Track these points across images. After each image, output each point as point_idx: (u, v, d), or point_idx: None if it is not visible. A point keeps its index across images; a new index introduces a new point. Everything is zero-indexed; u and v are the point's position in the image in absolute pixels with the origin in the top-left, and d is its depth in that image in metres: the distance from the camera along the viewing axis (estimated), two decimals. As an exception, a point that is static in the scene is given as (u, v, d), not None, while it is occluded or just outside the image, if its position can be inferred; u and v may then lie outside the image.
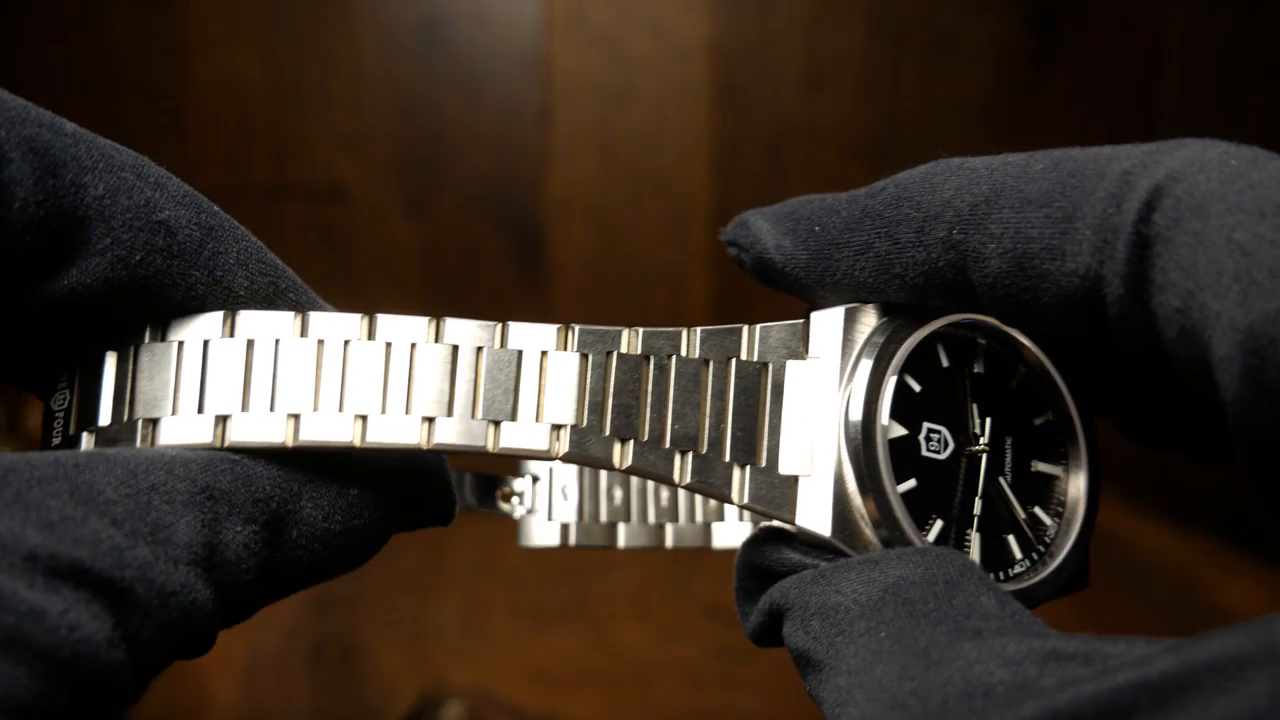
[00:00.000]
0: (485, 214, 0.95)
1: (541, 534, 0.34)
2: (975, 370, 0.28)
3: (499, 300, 0.96)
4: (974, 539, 0.27)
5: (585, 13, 0.92)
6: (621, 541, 0.35)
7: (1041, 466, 0.28)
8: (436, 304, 0.96)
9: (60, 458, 0.22)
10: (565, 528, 0.35)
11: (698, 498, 0.36)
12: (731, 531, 0.36)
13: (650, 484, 0.36)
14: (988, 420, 0.28)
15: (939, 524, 0.26)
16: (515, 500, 0.35)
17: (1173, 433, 0.29)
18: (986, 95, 0.93)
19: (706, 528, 0.35)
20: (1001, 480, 0.28)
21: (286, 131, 0.92)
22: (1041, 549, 0.27)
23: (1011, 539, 0.27)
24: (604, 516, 0.35)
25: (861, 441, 0.26)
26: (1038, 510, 0.28)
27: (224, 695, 0.75)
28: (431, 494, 0.27)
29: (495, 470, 0.34)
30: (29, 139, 0.22)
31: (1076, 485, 0.28)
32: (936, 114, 0.93)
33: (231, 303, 0.25)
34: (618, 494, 0.35)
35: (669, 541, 0.35)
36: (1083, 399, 0.28)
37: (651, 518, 0.35)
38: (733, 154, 0.93)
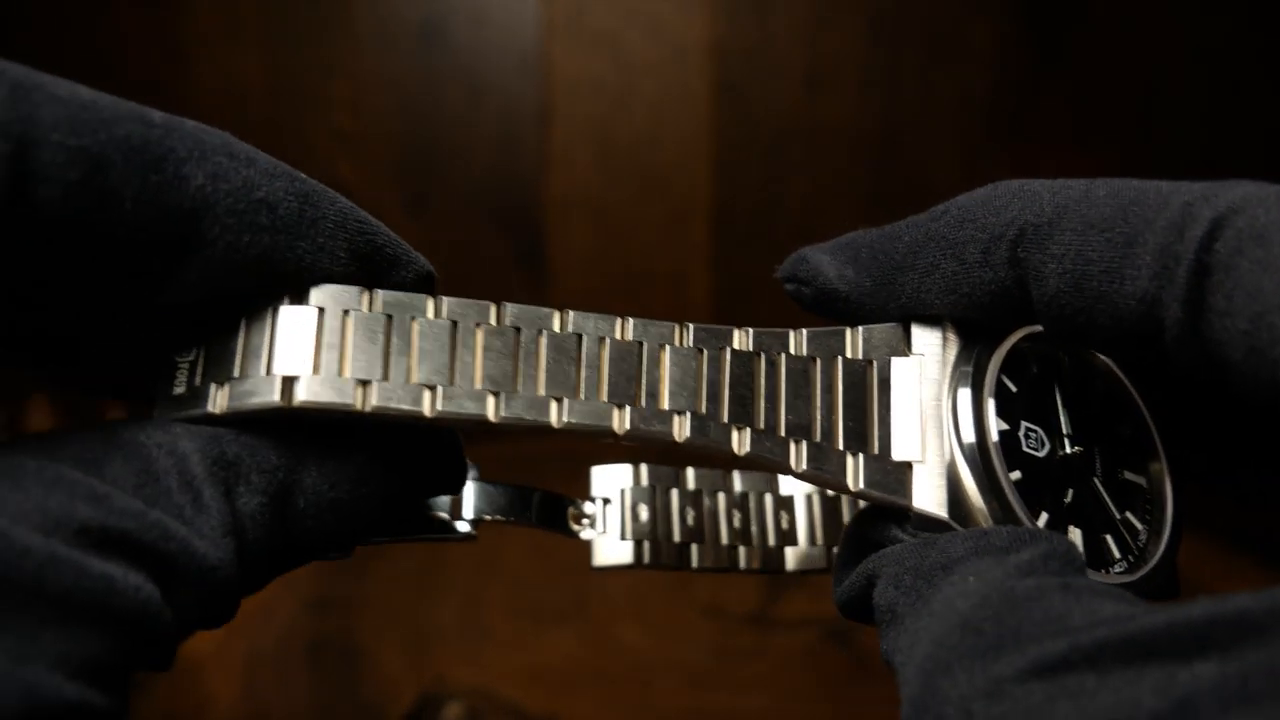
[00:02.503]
0: (485, 213, 0.95)
1: (615, 553, 0.35)
2: (1062, 380, 0.29)
3: (499, 299, 0.96)
4: (1076, 535, 0.28)
5: (585, 13, 0.92)
6: (694, 562, 0.35)
7: (1128, 475, 0.29)
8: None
9: (84, 439, 0.22)
10: (639, 547, 0.35)
11: (769, 521, 0.36)
12: (804, 555, 0.36)
13: (721, 507, 0.36)
14: (1077, 426, 0.29)
15: (1044, 516, 0.27)
16: (585, 522, 0.35)
17: (1218, 464, 0.30)
18: (986, 95, 0.93)
19: (779, 551, 0.36)
20: (1096, 481, 0.29)
21: (286, 131, 0.92)
22: (1137, 552, 0.28)
23: (1109, 539, 0.28)
24: (677, 537, 0.35)
25: (975, 430, 0.27)
26: (1130, 515, 0.29)
27: (224, 695, 0.75)
28: (442, 461, 0.27)
29: (568, 490, 0.35)
30: (126, 138, 0.21)
31: (1162, 494, 0.29)
32: (937, 114, 0.93)
33: (335, 264, 0.25)
34: (690, 515, 0.36)
35: (742, 563, 0.36)
36: (1157, 413, 0.30)
37: (724, 539, 0.36)
38: (733, 154, 0.93)
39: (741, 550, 0.36)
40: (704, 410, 0.26)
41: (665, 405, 0.26)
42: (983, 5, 0.92)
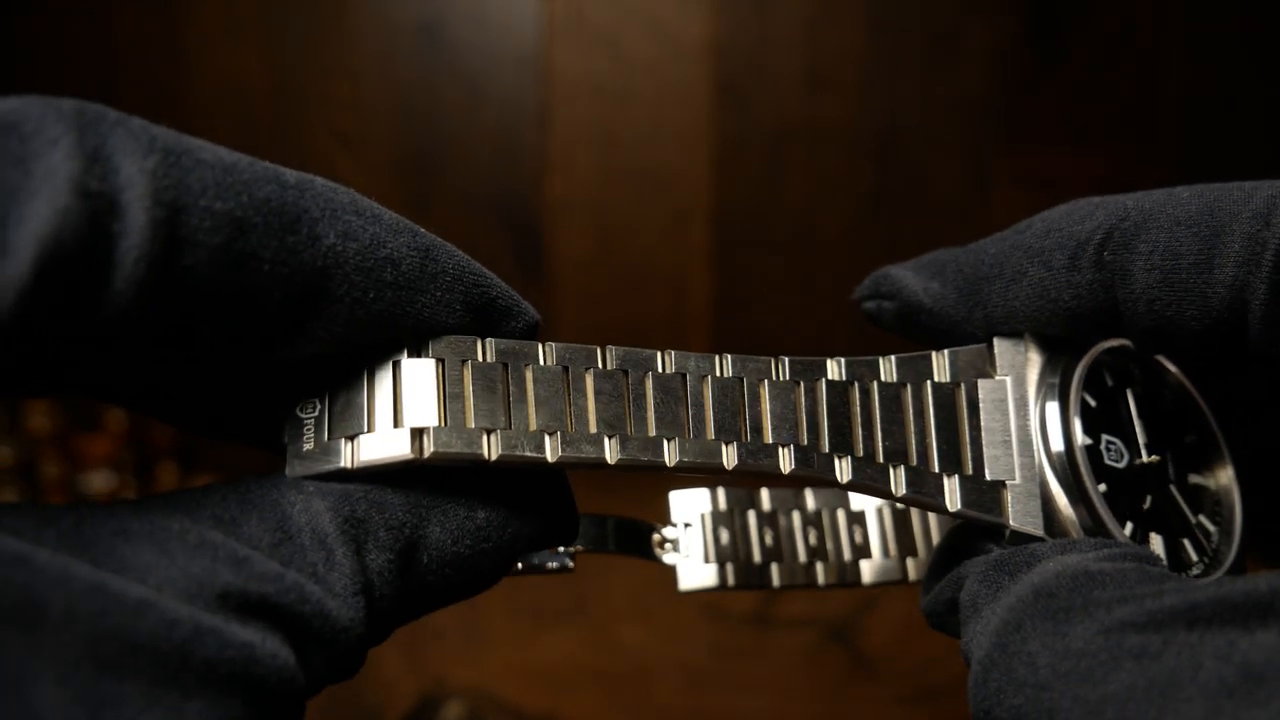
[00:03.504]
0: (485, 213, 0.95)
1: (701, 576, 0.36)
2: (1135, 391, 0.30)
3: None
4: (1157, 542, 0.29)
5: (585, 13, 0.92)
6: (775, 581, 0.37)
7: (1196, 479, 0.30)
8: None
9: (192, 499, 0.22)
10: (722, 569, 0.36)
11: (843, 537, 0.38)
12: (879, 567, 0.37)
13: (797, 526, 0.38)
14: (1150, 436, 0.30)
15: (1129, 525, 0.28)
16: (669, 547, 0.36)
17: None
18: (986, 95, 0.93)
19: (855, 564, 0.37)
20: (1172, 488, 0.30)
21: (287, 131, 0.92)
22: (1211, 554, 0.29)
23: (1187, 543, 0.29)
24: (757, 558, 0.37)
25: (1064, 446, 0.28)
26: (1203, 518, 0.30)
27: (224, 695, 0.74)
28: (558, 513, 0.27)
29: (647, 515, 0.37)
30: (264, 200, 0.22)
31: (1231, 495, 0.30)
32: (937, 114, 0.93)
33: (452, 316, 0.25)
34: (768, 535, 0.37)
35: (820, 579, 0.37)
36: (1224, 420, 0.31)
37: (802, 557, 0.37)
38: (733, 154, 0.93)
39: (819, 566, 0.37)
40: (805, 441, 0.27)
41: (769, 439, 0.27)
42: (983, 5, 0.92)
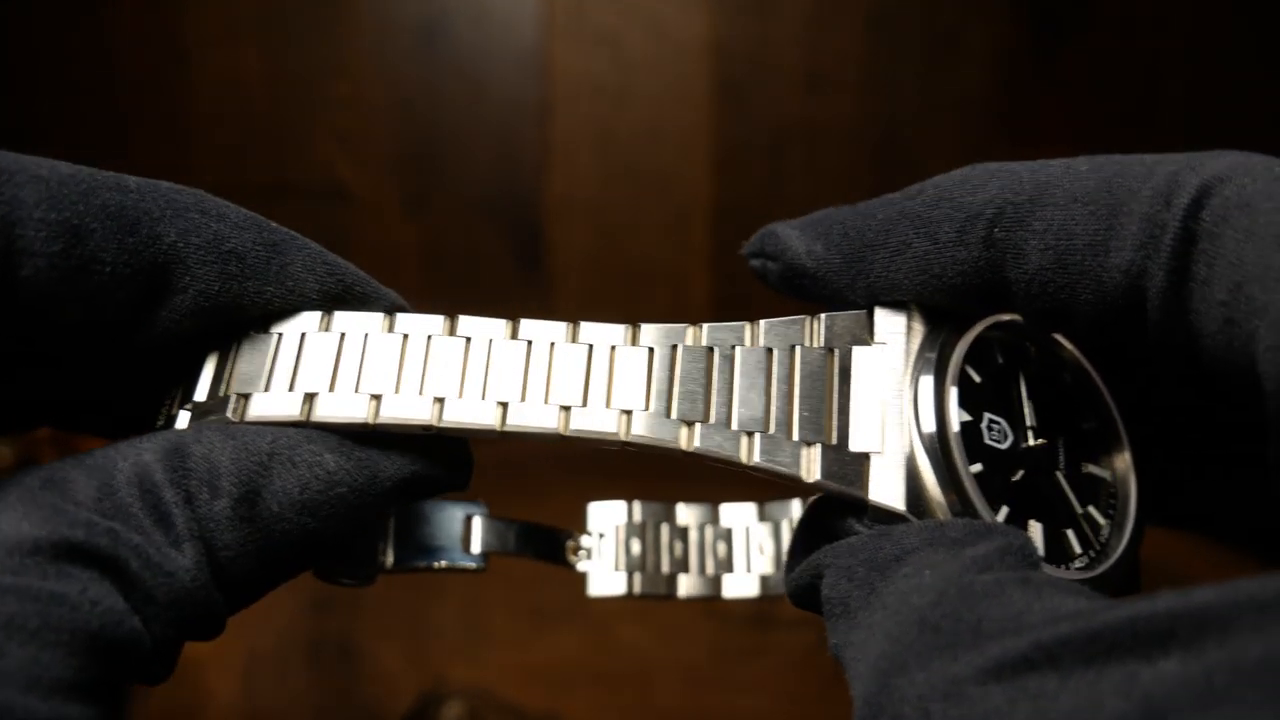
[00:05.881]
0: (485, 213, 0.95)
1: (609, 583, 0.37)
2: (1028, 371, 0.29)
3: (499, 299, 0.96)
4: (1036, 529, 0.27)
5: (585, 12, 0.92)
6: (681, 591, 0.38)
7: (1092, 469, 0.28)
8: (437, 303, 0.95)
9: (35, 470, 0.23)
10: (630, 577, 0.37)
11: (754, 551, 0.38)
12: (770, 583, 0.38)
13: (709, 539, 0.38)
14: (1041, 418, 0.28)
15: (1005, 509, 0.26)
16: (582, 554, 0.38)
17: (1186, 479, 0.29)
18: (987, 95, 0.93)
19: (762, 579, 0.38)
20: (1059, 474, 0.28)
21: (286, 131, 0.92)
22: (1098, 547, 0.27)
23: (1070, 533, 0.27)
24: (665, 568, 0.38)
25: (936, 423, 0.26)
26: (1092, 509, 0.28)
27: (224, 695, 0.75)
28: (437, 456, 0.27)
29: (572, 525, 0.38)
30: (102, 206, 0.23)
31: (1126, 487, 0.28)
32: (937, 114, 0.93)
33: (307, 306, 0.27)
34: (678, 547, 0.38)
35: (725, 592, 0.38)
36: (1124, 405, 0.29)
37: (710, 569, 0.38)
38: (733, 154, 0.93)
39: (725, 579, 0.38)
40: (652, 408, 0.26)
41: (613, 404, 0.26)
42: (982, 5, 0.92)
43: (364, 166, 0.93)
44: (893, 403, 0.27)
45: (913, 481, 0.26)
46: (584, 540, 0.38)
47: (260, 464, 0.24)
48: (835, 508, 0.27)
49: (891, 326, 0.27)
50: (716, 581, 0.38)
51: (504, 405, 0.26)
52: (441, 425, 0.26)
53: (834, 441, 0.26)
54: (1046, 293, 0.25)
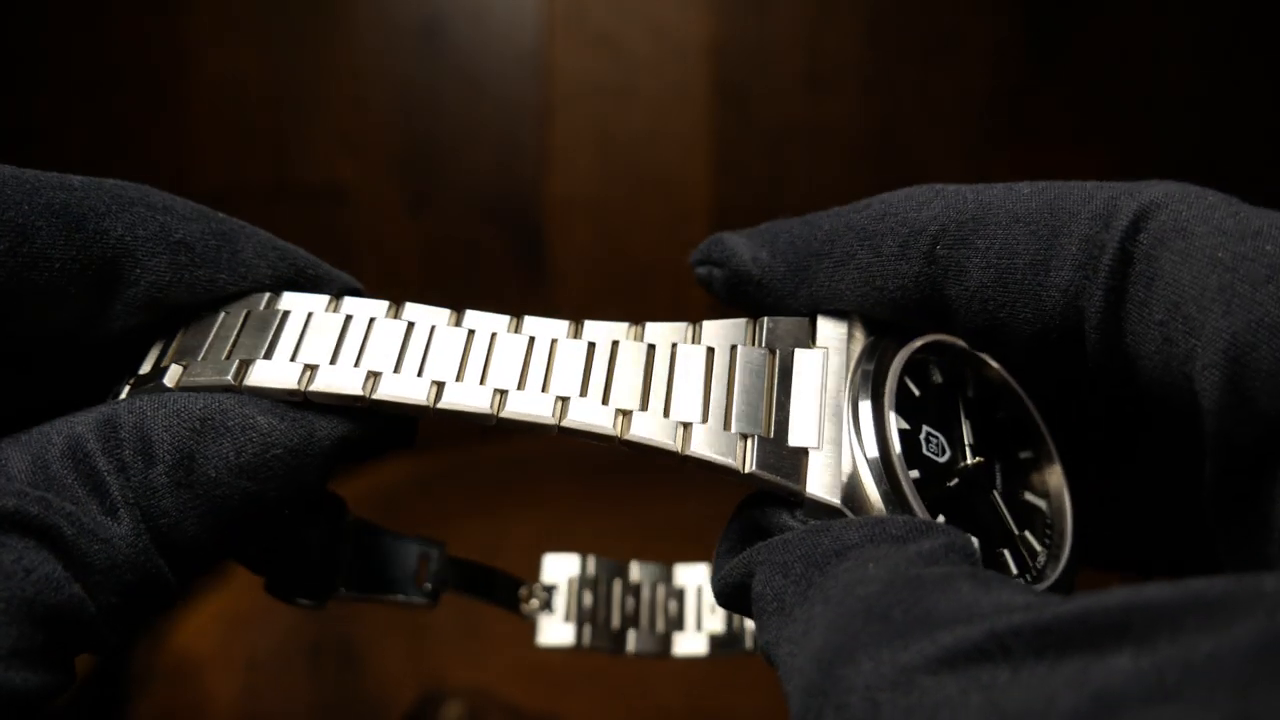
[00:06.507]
0: (485, 213, 0.95)
1: (558, 634, 0.38)
2: (965, 395, 0.29)
3: (499, 299, 0.96)
4: (974, 544, 0.27)
5: (585, 13, 0.92)
6: (630, 647, 0.38)
7: (1029, 497, 0.28)
8: (437, 302, 0.95)
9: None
10: (580, 629, 0.38)
11: (705, 610, 0.38)
12: (720, 641, 0.39)
13: (660, 595, 0.39)
14: (979, 440, 0.28)
15: (941, 519, 0.26)
16: (535, 603, 0.38)
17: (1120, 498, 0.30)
18: (986, 95, 0.93)
19: (711, 638, 0.38)
20: (996, 495, 0.28)
21: (286, 131, 0.92)
22: (1035, 571, 0.27)
23: (1007, 554, 0.27)
24: (615, 623, 0.38)
25: (874, 421, 0.26)
26: (1028, 534, 0.28)
27: (223, 695, 0.75)
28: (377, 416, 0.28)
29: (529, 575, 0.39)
30: (48, 204, 0.24)
31: (1062, 520, 0.28)
32: (937, 114, 0.93)
33: (261, 288, 0.28)
34: (630, 603, 0.39)
35: (675, 650, 0.38)
36: (1059, 434, 0.29)
37: (660, 627, 0.39)
38: (733, 154, 0.93)
39: (675, 636, 0.38)
40: (587, 394, 0.27)
41: (549, 390, 0.27)
42: (982, 5, 0.92)
43: (364, 166, 0.93)
44: (831, 403, 0.26)
45: (850, 479, 0.25)
46: (537, 589, 0.38)
47: (193, 429, 0.25)
48: (768, 504, 0.26)
49: (833, 333, 0.28)
50: (666, 639, 0.38)
51: (439, 385, 0.27)
52: (373, 398, 0.26)
53: (771, 435, 0.26)
54: (987, 310, 0.26)
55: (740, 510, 0.28)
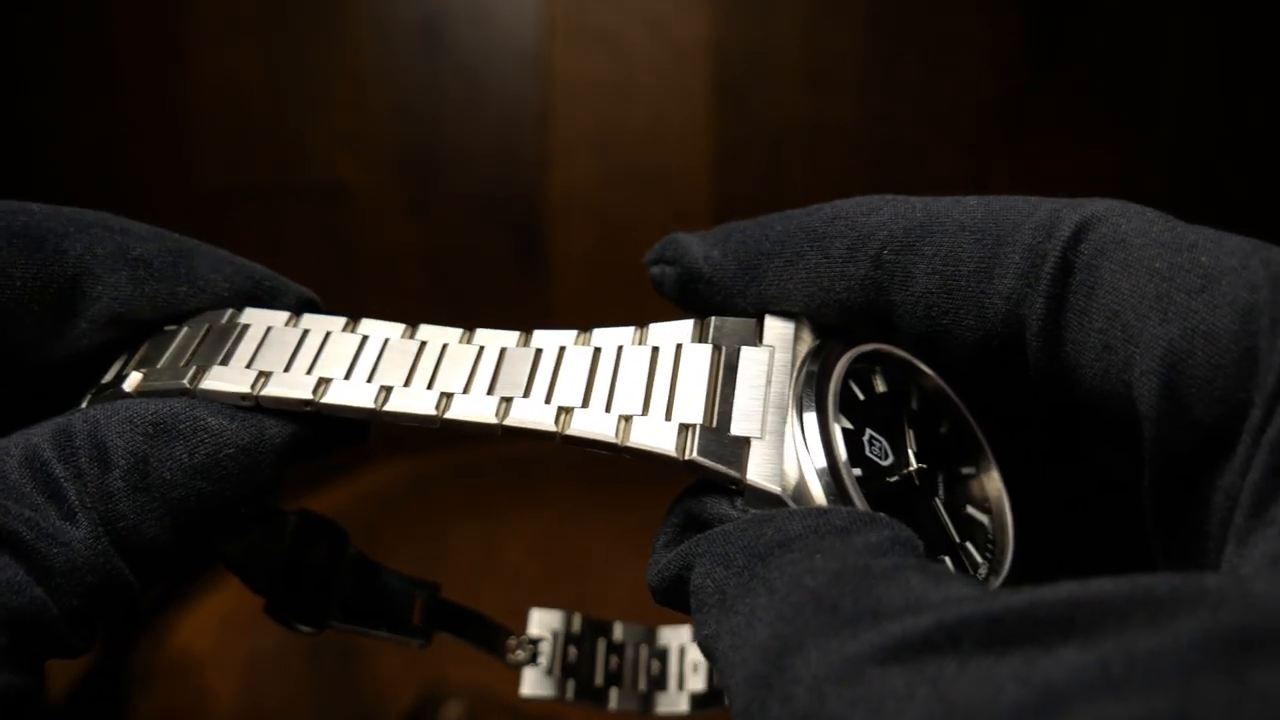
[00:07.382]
0: (485, 213, 0.95)
1: (542, 687, 0.39)
2: (911, 405, 0.29)
3: (500, 299, 0.96)
4: (917, 539, 0.27)
5: (585, 13, 0.92)
6: (612, 704, 0.39)
7: (971, 510, 0.29)
8: (437, 302, 0.95)
9: None
10: (564, 684, 0.39)
11: (688, 669, 0.39)
12: (701, 699, 0.39)
13: (643, 655, 0.40)
14: (923, 448, 0.28)
15: (883, 518, 0.26)
16: (521, 654, 0.39)
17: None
18: (987, 95, 0.93)
19: (692, 697, 0.39)
20: (938, 502, 0.28)
21: (286, 131, 0.92)
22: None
23: (948, 560, 0.27)
24: (599, 680, 0.39)
25: (817, 410, 0.26)
26: (970, 545, 0.28)
27: (223, 695, 0.75)
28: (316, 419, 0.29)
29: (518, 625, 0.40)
30: (8, 227, 0.26)
31: (1004, 536, 0.28)
32: (936, 114, 0.93)
33: (219, 302, 0.29)
34: (613, 661, 0.40)
35: (657, 708, 0.39)
36: (1001, 444, 0.29)
37: (642, 686, 0.40)
38: (733, 153, 0.93)
39: (657, 695, 0.39)
40: (529, 395, 0.27)
41: (495, 393, 0.27)
42: (983, 4, 0.92)
43: (364, 167, 0.93)
44: (775, 397, 0.27)
45: (792, 469, 0.25)
46: (525, 640, 0.40)
47: (146, 434, 0.25)
48: (708, 494, 0.26)
49: (780, 332, 0.28)
50: (649, 698, 0.39)
51: (387, 389, 0.28)
52: (321, 402, 0.27)
53: (714, 425, 0.26)
54: (931, 316, 0.26)
55: (678, 502, 0.27)
